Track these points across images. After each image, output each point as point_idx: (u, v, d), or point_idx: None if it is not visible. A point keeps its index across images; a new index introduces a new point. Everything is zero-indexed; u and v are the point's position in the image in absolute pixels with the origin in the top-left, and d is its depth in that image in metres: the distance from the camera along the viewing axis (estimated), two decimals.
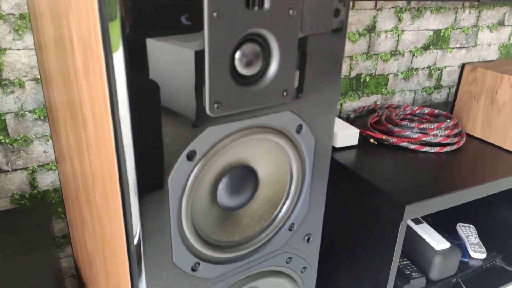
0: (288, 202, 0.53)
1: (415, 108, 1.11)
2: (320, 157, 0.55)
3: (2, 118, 0.80)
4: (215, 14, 0.38)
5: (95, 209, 0.55)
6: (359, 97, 1.20)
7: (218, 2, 0.38)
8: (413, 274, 0.95)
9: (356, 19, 1.08)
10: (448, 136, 0.97)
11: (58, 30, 0.52)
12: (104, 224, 0.52)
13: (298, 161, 0.51)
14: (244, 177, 0.49)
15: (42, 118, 0.83)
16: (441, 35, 1.26)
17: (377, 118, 1.09)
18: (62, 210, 0.91)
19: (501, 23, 1.36)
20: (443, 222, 1.18)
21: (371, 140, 0.98)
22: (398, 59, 1.21)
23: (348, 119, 1.11)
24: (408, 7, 1.15)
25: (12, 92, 0.79)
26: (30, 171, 0.85)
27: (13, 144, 0.82)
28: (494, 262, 1.08)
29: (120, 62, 0.36)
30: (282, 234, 0.55)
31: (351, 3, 1.06)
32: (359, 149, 0.95)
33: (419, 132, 0.97)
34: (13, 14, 0.74)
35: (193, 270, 0.48)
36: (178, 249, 0.46)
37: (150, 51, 0.37)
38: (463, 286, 1.01)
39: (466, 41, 1.32)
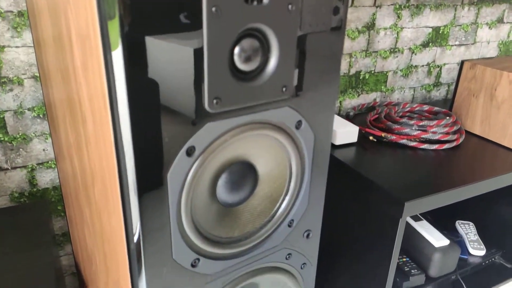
0: (287, 198, 0.53)
1: (414, 106, 1.11)
2: (319, 153, 0.55)
3: (1, 116, 0.80)
4: (214, 9, 0.38)
5: (94, 206, 0.55)
6: (359, 95, 1.20)
7: None
8: (412, 271, 0.96)
9: (355, 16, 1.08)
10: (447, 133, 0.97)
11: (56, 28, 0.52)
12: (104, 220, 0.52)
13: (298, 157, 0.51)
14: (243, 173, 0.49)
15: (41, 116, 0.83)
16: (440, 32, 1.26)
17: (376, 115, 1.09)
18: (61, 208, 0.91)
19: (500, 20, 1.36)
20: (442, 219, 1.18)
21: (371, 138, 0.98)
22: (397, 57, 1.21)
23: (347, 117, 1.11)
24: (407, 4, 1.15)
25: (11, 90, 0.79)
26: (29, 169, 0.85)
27: (12, 142, 0.82)
28: (493, 259, 1.09)
29: (119, 59, 0.36)
30: (282, 230, 0.55)
31: (350, 0, 1.06)
32: (358, 147, 0.95)
33: (418, 130, 0.97)
34: (11, 12, 0.74)
35: (192, 266, 0.48)
36: (178, 245, 0.46)
37: (149, 49, 0.37)
38: (462, 283, 1.02)
39: (465, 38, 1.32)
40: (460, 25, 1.28)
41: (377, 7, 1.10)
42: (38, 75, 0.80)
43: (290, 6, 0.43)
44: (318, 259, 1.02)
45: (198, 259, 0.48)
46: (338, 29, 0.49)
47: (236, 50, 0.42)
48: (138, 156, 0.40)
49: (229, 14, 0.39)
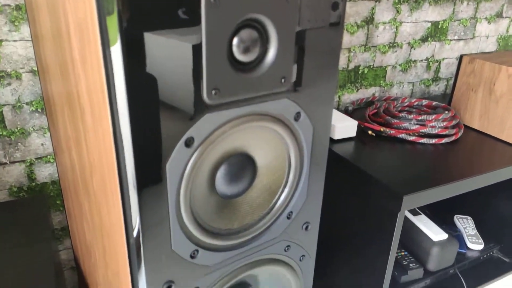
0: (286, 190, 0.53)
1: (413, 100, 1.11)
2: (318, 146, 0.55)
3: (0, 110, 0.79)
4: None
5: (93, 199, 0.55)
6: (357, 90, 1.20)
7: None
8: (410, 265, 0.96)
9: (354, 11, 1.08)
10: (446, 128, 0.97)
11: (55, 22, 0.52)
12: (103, 213, 0.52)
13: (296, 149, 0.52)
14: (242, 165, 0.49)
15: (39, 110, 0.82)
16: (439, 27, 1.25)
17: (375, 110, 1.09)
18: (60, 203, 0.91)
19: (499, 15, 1.36)
20: (441, 214, 1.18)
21: (369, 132, 0.98)
22: (396, 51, 1.21)
23: (346, 111, 1.11)
24: None
25: (9, 84, 0.79)
26: (28, 164, 0.85)
27: (11, 136, 0.82)
28: (491, 253, 1.09)
29: (118, 55, 0.36)
30: (281, 222, 0.55)
31: None
32: (357, 141, 0.95)
33: (417, 124, 0.97)
34: (9, 5, 0.74)
35: (192, 257, 0.48)
36: (177, 236, 0.46)
37: (147, 44, 0.37)
38: (461, 277, 1.02)
39: (464, 33, 1.32)
40: (459, 20, 1.28)
41: (376, 1, 1.10)
42: (36, 69, 0.80)
43: None
44: (317, 252, 1.02)
45: (197, 251, 0.48)
46: (336, 25, 0.49)
47: (235, 41, 0.42)
48: (137, 148, 0.40)
49: (227, 4, 0.39)
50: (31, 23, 0.72)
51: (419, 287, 0.97)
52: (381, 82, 1.23)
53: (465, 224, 1.12)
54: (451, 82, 1.38)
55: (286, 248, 0.58)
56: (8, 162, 0.83)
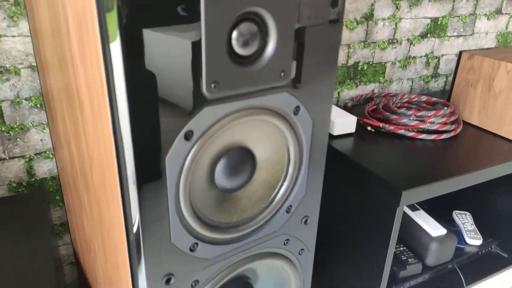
0: (285, 184, 0.53)
1: (412, 96, 1.11)
2: (317, 140, 0.55)
3: None
4: None
5: (92, 192, 0.55)
6: (357, 86, 1.20)
7: None
8: (409, 260, 0.96)
9: (354, 7, 1.08)
10: (445, 124, 0.97)
11: (53, 17, 0.52)
12: (102, 206, 0.52)
13: (296, 143, 0.52)
14: (241, 159, 0.49)
15: (38, 106, 0.82)
16: (438, 23, 1.25)
17: (375, 106, 1.09)
18: (60, 198, 0.91)
19: (498, 11, 1.36)
20: (440, 210, 1.18)
21: (369, 128, 0.98)
22: (395, 47, 1.21)
23: (345, 108, 1.12)
24: None
25: (8, 79, 0.78)
26: (27, 159, 0.85)
27: (10, 132, 0.82)
28: (489, 249, 1.10)
29: (118, 49, 0.36)
30: (280, 216, 0.55)
31: None
32: (356, 137, 0.95)
33: (416, 120, 0.97)
34: (7, 1, 0.74)
35: (191, 250, 0.48)
36: (176, 229, 0.46)
37: (147, 39, 0.37)
38: (459, 272, 1.03)
39: (464, 29, 1.32)
40: (459, 16, 1.28)
41: None
42: (35, 65, 0.80)
43: None
44: (316, 247, 1.02)
45: (197, 244, 0.48)
46: (336, 22, 0.49)
47: (234, 34, 0.42)
48: (136, 141, 0.40)
49: None
50: (29, 18, 0.72)
51: (417, 282, 0.97)
52: (381, 78, 1.23)
53: (464, 220, 1.13)
54: (450, 78, 1.39)
55: (285, 242, 0.58)
56: (7, 158, 0.83)
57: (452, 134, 0.97)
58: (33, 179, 0.87)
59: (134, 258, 0.46)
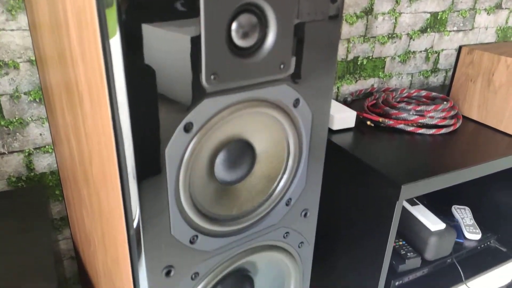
0: (285, 176, 0.53)
1: (412, 91, 1.11)
2: (317, 133, 0.55)
3: None
4: None
5: (92, 185, 0.55)
6: (356, 81, 1.19)
7: None
8: (408, 254, 0.97)
9: (354, 1, 1.08)
10: (444, 118, 0.97)
11: (53, 11, 0.51)
12: (102, 198, 0.52)
13: (295, 136, 0.52)
14: (241, 151, 0.49)
15: (37, 100, 0.82)
16: (438, 17, 1.25)
17: (374, 101, 1.09)
18: (59, 193, 0.91)
19: (498, 6, 1.35)
20: (439, 204, 1.19)
21: (368, 123, 0.98)
22: (395, 42, 1.21)
23: (345, 102, 1.11)
24: None
25: (7, 73, 0.78)
26: (26, 154, 0.85)
27: (9, 126, 0.82)
28: (488, 243, 1.10)
29: (117, 42, 0.36)
30: (280, 209, 0.55)
31: None
32: (356, 132, 0.95)
33: (415, 114, 0.97)
34: None
35: (191, 242, 0.48)
36: (176, 221, 0.46)
37: (146, 33, 0.37)
38: (458, 266, 1.03)
39: (464, 24, 1.31)
40: (459, 11, 1.28)
41: None
42: (33, 59, 0.79)
43: None
44: (315, 241, 1.02)
45: (197, 236, 0.48)
46: (335, 18, 0.49)
47: (234, 25, 0.42)
48: (136, 133, 0.40)
49: None
50: (28, 12, 0.72)
51: (416, 276, 0.98)
52: (380, 73, 1.23)
53: (463, 215, 1.13)
54: (450, 73, 1.38)
55: (285, 234, 0.58)
56: (6, 152, 0.83)
57: (451, 128, 0.97)
58: (32, 174, 0.87)
59: (134, 250, 0.46)
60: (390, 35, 1.19)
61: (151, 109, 0.40)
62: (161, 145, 0.42)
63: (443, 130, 0.95)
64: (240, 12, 0.42)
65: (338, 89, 1.18)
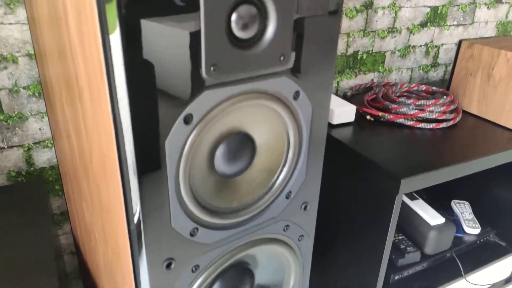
0: (285, 169, 0.53)
1: (411, 86, 1.11)
2: (316, 125, 0.55)
3: None
4: None
5: (92, 177, 0.55)
6: (356, 75, 1.19)
7: None
8: (408, 248, 0.97)
9: None
10: (444, 112, 0.97)
11: (52, 5, 0.51)
12: (102, 191, 0.52)
13: (295, 128, 0.52)
14: (241, 144, 0.49)
15: (36, 95, 0.82)
16: (438, 12, 1.25)
17: (374, 95, 1.09)
18: (59, 188, 0.91)
19: (498, 1, 1.35)
20: (438, 199, 1.19)
21: (368, 117, 0.98)
22: (395, 36, 1.20)
23: (344, 97, 1.11)
24: None
25: (5, 68, 0.78)
26: (26, 148, 0.85)
27: (8, 121, 0.82)
28: (487, 237, 1.10)
29: (117, 35, 0.36)
30: (280, 202, 0.56)
31: None
32: (356, 126, 0.95)
33: (415, 109, 0.97)
34: None
35: (191, 235, 0.48)
36: (176, 213, 0.46)
37: (146, 27, 0.37)
38: (457, 261, 1.03)
39: (464, 18, 1.31)
40: (459, 5, 1.27)
41: None
42: (32, 53, 0.79)
43: None
44: (315, 235, 1.03)
45: (197, 229, 0.48)
46: (335, 13, 0.49)
47: (233, 17, 0.41)
48: (136, 125, 0.40)
49: None
50: (27, 6, 0.72)
51: (416, 270, 0.98)
52: (380, 67, 1.22)
53: (462, 209, 1.13)
54: (450, 68, 1.38)
55: (285, 227, 0.58)
56: (5, 147, 0.83)
57: (451, 123, 0.97)
58: (32, 169, 0.87)
59: (135, 243, 0.46)
60: (390, 30, 1.18)
61: (151, 101, 0.40)
62: (161, 137, 0.42)
63: (443, 125, 0.95)
64: (240, 3, 0.41)
65: (338, 84, 1.17)
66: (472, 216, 1.12)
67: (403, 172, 0.76)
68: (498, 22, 1.40)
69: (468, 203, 1.16)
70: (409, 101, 0.98)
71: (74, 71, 0.50)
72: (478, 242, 1.08)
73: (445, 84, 1.30)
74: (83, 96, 0.49)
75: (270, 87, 0.47)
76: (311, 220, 0.61)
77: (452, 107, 0.99)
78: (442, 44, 1.32)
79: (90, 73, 0.44)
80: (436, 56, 1.33)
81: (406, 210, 1.01)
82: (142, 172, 0.42)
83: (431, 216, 0.97)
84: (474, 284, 1.07)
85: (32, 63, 0.80)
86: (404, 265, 0.96)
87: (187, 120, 0.42)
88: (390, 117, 0.96)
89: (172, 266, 0.48)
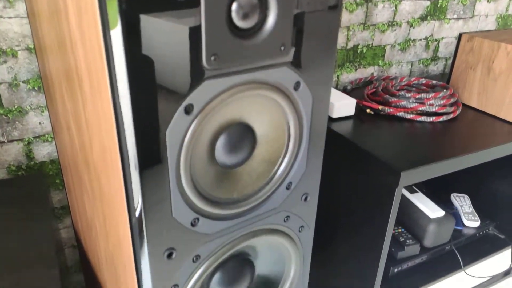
0: (286, 160, 0.54)
1: (411, 79, 1.11)
2: (317, 116, 0.55)
3: None
4: None
5: (93, 168, 0.55)
6: (356, 69, 1.19)
7: None
8: (407, 241, 0.97)
9: None
10: (444, 106, 0.97)
11: None
12: (103, 182, 0.52)
13: (296, 119, 0.52)
14: (241, 135, 0.49)
15: (36, 88, 0.82)
16: (438, 5, 1.24)
17: (374, 89, 1.09)
18: (60, 182, 0.91)
19: None
20: (438, 192, 1.19)
21: (368, 111, 0.98)
22: (395, 30, 1.20)
23: (344, 91, 1.11)
24: None
25: (5, 61, 0.78)
26: (26, 142, 0.85)
27: (8, 115, 0.82)
28: (487, 230, 1.11)
29: (118, 28, 0.36)
30: (280, 193, 0.56)
31: None
32: (355, 119, 0.95)
33: (415, 102, 0.97)
34: None
35: (192, 225, 0.48)
36: (177, 203, 0.46)
37: (145, 20, 0.37)
38: (457, 253, 1.04)
39: (464, 12, 1.31)
40: None
41: None
42: (32, 47, 0.79)
43: None
44: (315, 228, 1.03)
45: (198, 219, 0.49)
46: (335, 8, 0.49)
47: (234, 6, 0.41)
48: (136, 116, 0.40)
49: None
50: None
51: (415, 263, 0.98)
52: (380, 61, 1.22)
53: (462, 202, 1.14)
54: (450, 61, 1.38)
55: (286, 218, 0.59)
56: (5, 141, 0.83)
57: (451, 116, 0.97)
58: (32, 163, 0.87)
59: (136, 233, 0.46)
60: (390, 23, 1.18)
61: (152, 92, 0.40)
62: (162, 127, 0.42)
63: (443, 118, 0.96)
64: None
65: (338, 78, 1.17)
66: (471, 209, 1.12)
67: (403, 165, 0.76)
68: (498, 16, 1.40)
69: (467, 196, 1.16)
70: (409, 95, 0.98)
71: (74, 64, 0.50)
72: (477, 235, 1.09)
73: (445, 77, 1.30)
74: (83, 88, 0.49)
75: (270, 77, 0.47)
76: (312, 211, 0.61)
77: (452, 100, 0.99)
78: (442, 38, 1.31)
79: (91, 65, 0.44)
80: (436, 49, 1.32)
81: (406, 203, 1.02)
82: (143, 162, 0.42)
83: (431, 209, 0.97)
84: (473, 277, 1.08)
85: (32, 57, 0.80)
86: (404, 258, 0.97)
87: (188, 110, 0.43)
88: (390, 110, 0.96)
89: (173, 256, 0.49)
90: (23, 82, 0.80)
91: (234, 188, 0.51)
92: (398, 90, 1.04)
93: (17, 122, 0.83)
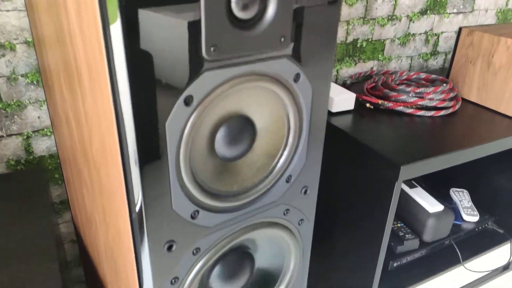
0: (285, 153, 0.54)
1: (411, 74, 1.10)
2: (317, 109, 0.55)
3: None
4: None
5: (92, 161, 0.55)
6: (355, 63, 1.19)
7: None
8: (406, 235, 0.97)
9: None
10: (443, 100, 0.97)
11: None
12: (102, 174, 0.52)
13: (295, 111, 0.51)
14: (241, 127, 0.49)
15: (35, 82, 0.82)
16: None
17: (373, 83, 1.09)
18: (59, 176, 0.91)
19: None
20: (437, 187, 1.19)
21: (367, 105, 0.98)
22: (395, 24, 1.20)
23: (344, 85, 1.11)
24: None
25: (3, 55, 0.77)
26: (24, 137, 0.85)
27: (7, 109, 0.81)
28: (486, 225, 1.11)
29: (117, 23, 0.36)
30: (280, 186, 0.56)
31: None
32: (355, 114, 0.95)
33: (415, 96, 0.97)
34: None
35: (192, 217, 0.48)
36: (177, 196, 0.46)
37: (144, 12, 0.36)
38: (456, 248, 1.04)
39: (463, 6, 1.30)
40: None
41: None
42: (30, 40, 0.78)
43: None
44: (315, 222, 1.03)
45: (198, 211, 0.49)
46: (335, 2, 0.48)
47: None
48: (136, 107, 0.40)
49: None
50: None
51: (414, 258, 0.99)
52: (380, 56, 1.22)
53: (461, 197, 1.14)
54: (450, 56, 1.38)
55: (285, 211, 0.59)
56: (4, 135, 0.83)
57: (450, 110, 0.97)
58: (31, 157, 0.87)
59: (136, 225, 0.46)
60: (390, 17, 1.18)
61: (152, 84, 0.40)
62: (161, 119, 0.42)
63: (442, 112, 0.95)
64: None
65: (337, 72, 1.17)
66: (470, 204, 1.12)
67: (403, 159, 0.76)
68: (498, 10, 1.39)
69: (466, 191, 1.16)
70: (409, 89, 0.98)
71: (73, 58, 0.50)
72: (476, 229, 1.09)
73: (445, 72, 1.30)
74: (82, 81, 0.49)
75: (270, 69, 0.47)
76: (311, 204, 0.61)
77: (451, 94, 0.99)
78: (442, 32, 1.31)
79: (90, 59, 0.44)
80: (436, 44, 1.32)
81: (405, 198, 1.02)
82: (142, 154, 0.42)
83: (430, 204, 0.97)
84: (472, 271, 1.08)
85: (30, 50, 0.79)
86: (403, 252, 0.97)
87: (188, 101, 0.42)
88: (389, 105, 0.96)
89: (173, 248, 0.49)
90: (22, 76, 0.80)
91: (234, 180, 0.51)
92: (398, 85, 1.04)
93: (15, 116, 0.82)
